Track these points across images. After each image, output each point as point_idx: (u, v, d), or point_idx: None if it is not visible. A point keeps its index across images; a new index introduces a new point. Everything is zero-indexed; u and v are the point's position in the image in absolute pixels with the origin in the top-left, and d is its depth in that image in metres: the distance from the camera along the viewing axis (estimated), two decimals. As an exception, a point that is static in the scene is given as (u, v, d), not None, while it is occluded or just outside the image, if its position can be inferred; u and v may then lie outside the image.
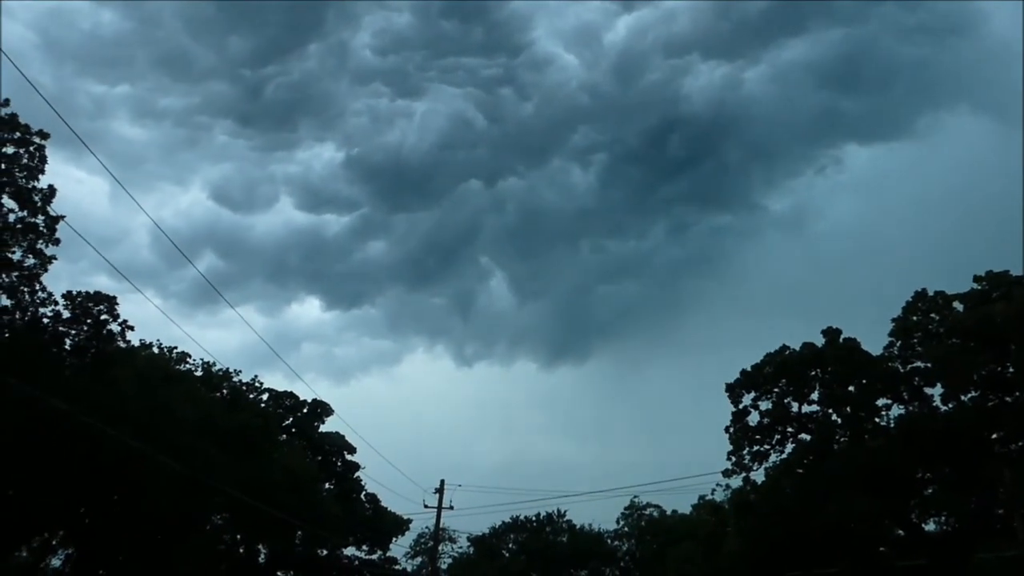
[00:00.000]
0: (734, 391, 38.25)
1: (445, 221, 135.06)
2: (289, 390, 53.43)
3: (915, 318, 34.97)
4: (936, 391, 33.56)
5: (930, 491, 33.88)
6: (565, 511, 68.09)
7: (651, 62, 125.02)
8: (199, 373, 39.26)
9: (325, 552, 52.83)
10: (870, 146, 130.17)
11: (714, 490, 44.88)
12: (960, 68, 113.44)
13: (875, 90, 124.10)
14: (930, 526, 34.83)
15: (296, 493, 39.20)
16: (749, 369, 38.13)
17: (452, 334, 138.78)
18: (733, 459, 37.75)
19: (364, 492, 56.99)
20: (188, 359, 39.74)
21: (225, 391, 39.82)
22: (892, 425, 34.74)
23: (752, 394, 37.81)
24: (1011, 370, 30.91)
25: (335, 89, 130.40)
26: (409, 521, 57.72)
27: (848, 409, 35.63)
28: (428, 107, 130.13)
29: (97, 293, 30.81)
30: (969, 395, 32.27)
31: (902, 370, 34.81)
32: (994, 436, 31.77)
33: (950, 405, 32.87)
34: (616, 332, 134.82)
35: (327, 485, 52.02)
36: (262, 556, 47.43)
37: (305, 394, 55.69)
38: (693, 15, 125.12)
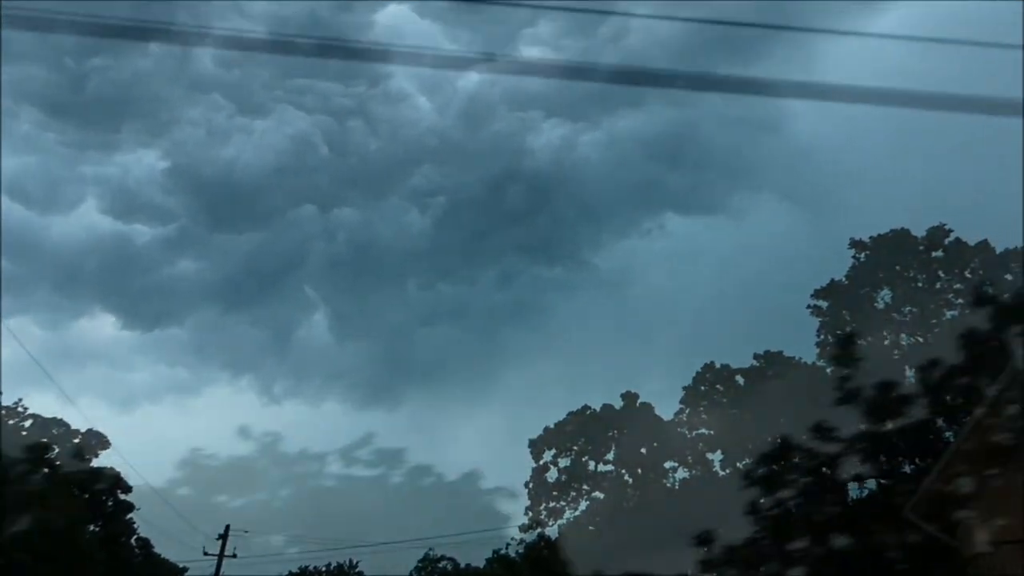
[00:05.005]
0: (536, 447, 39.24)
1: (271, 244, 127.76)
2: (60, 417, 47.79)
3: (703, 388, 37.92)
4: (716, 456, 36.43)
5: (706, 549, 36.36)
6: (358, 562, 65.38)
7: (497, 113, 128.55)
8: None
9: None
10: (689, 217, 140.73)
11: (508, 544, 45.28)
12: (767, 159, 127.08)
13: (696, 167, 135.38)
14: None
15: (49, 537, 34.57)
16: (552, 426, 39.33)
17: (263, 367, 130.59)
18: (530, 514, 38.53)
19: (136, 536, 51.60)
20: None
21: (-24, 415, 34.71)
22: (677, 487, 37.10)
23: (553, 451, 38.97)
24: (778, 442, 34.20)
25: (169, 94, 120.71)
26: (185, 570, 52.80)
27: (639, 471, 37.62)
28: (270, 126, 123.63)
29: None
30: (743, 462, 35.26)
31: (688, 435, 37.48)
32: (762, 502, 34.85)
33: (727, 471, 35.71)
34: (434, 378, 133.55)
35: (91, 528, 46.50)
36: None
37: (80, 423, 50.07)
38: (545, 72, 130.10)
